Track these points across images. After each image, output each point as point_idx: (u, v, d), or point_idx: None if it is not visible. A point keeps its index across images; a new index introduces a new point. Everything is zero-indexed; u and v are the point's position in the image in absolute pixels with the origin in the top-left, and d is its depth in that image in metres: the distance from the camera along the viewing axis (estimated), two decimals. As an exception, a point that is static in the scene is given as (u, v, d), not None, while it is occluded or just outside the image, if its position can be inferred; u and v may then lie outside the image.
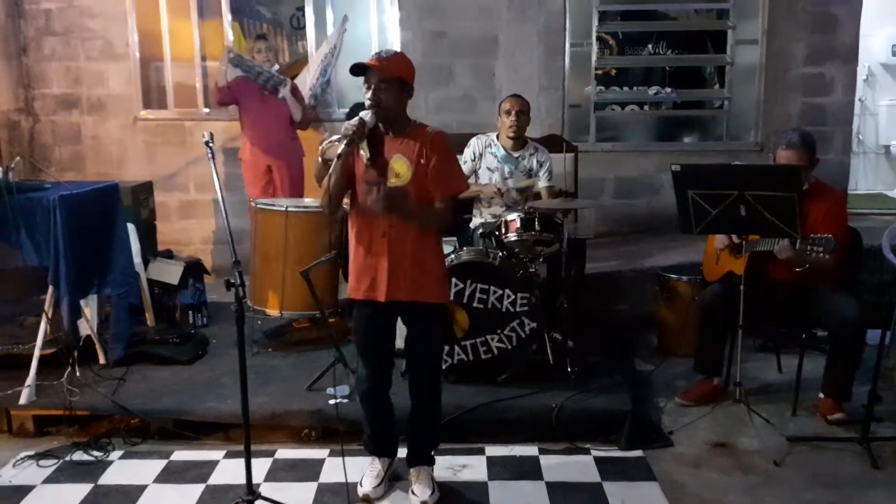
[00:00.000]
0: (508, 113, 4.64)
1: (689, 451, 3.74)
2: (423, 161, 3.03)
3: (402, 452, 3.48)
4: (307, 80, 6.14)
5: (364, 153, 2.99)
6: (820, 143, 4.09)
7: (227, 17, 6.71)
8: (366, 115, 2.94)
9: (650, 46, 7.16)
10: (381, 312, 3.18)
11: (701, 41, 7.05)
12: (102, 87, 6.78)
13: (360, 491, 3.33)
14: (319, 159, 3.16)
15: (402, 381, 3.56)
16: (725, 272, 4.19)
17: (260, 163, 5.84)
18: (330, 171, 3.00)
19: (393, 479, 3.44)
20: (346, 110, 6.55)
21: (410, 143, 3.06)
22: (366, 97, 2.99)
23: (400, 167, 3.04)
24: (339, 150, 2.90)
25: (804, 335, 4.15)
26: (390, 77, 2.97)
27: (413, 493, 3.32)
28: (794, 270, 3.80)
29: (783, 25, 6.49)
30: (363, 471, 3.42)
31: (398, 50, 3.21)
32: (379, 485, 3.35)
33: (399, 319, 3.29)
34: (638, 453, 3.71)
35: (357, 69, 2.98)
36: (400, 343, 3.42)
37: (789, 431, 3.84)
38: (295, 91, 5.81)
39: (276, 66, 5.85)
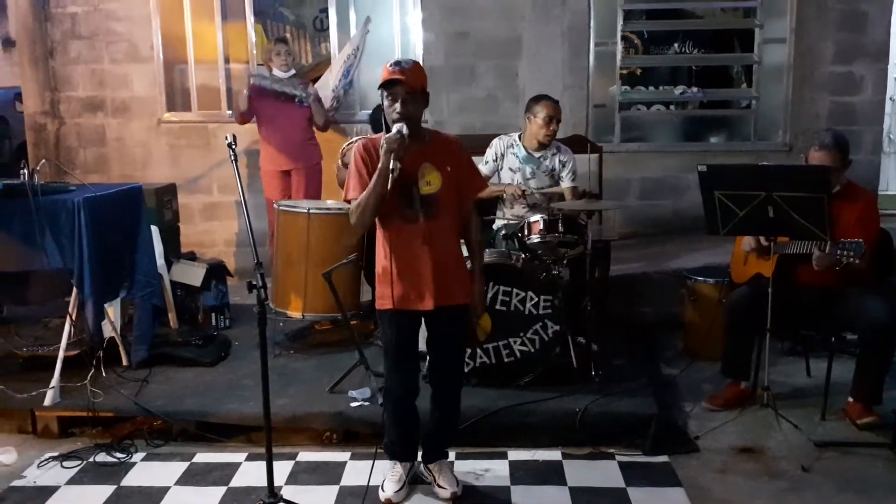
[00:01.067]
0: (549, 121, 4.56)
1: (715, 456, 3.68)
2: (449, 169, 3.14)
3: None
4: (329, 82, 6.13)
5: (395, 164, 2.99)
6: (849, 144, 4.01)
7: (250, 19, 6.75)
8: (401, 127, 2.99)
9: (676, 45, 7.08)
10: (418, 320, 3.22)
11: (728, 40, 6.96)
12: (127, 89, 6.84)
13: (383, 496, 3.32)
14: (340, 162, 3.15)
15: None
16: (753, 274, 4.12)
17: (278, 169, 5.81)
18: (370, 188, 3.00)
19: (413, 482, 3.43)
20: (369, 112, 6.54)
21: (433, 150, 3.15)
22: (392, 109, 3.03)
23: (431, 175, 3.12)
24: (392, 166, 2.93)
25: (833, 338, 4.08)
26: (414, 89, 3.04)
27: (440, 486, 3.35)
28: (823, 273, 3.74)
29: (812, 24, 6.40)
30: (384, 474, 3.40)
31: (413, 59, 3.21)
32: (401, 488, 3.34)
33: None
34: (663, 458, 3.66)
35: (386, 84, 3.03)
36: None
37: (818, 436, 3.78)
38: (316, 97, 5.80)
39: (293, 72, 5.81)
